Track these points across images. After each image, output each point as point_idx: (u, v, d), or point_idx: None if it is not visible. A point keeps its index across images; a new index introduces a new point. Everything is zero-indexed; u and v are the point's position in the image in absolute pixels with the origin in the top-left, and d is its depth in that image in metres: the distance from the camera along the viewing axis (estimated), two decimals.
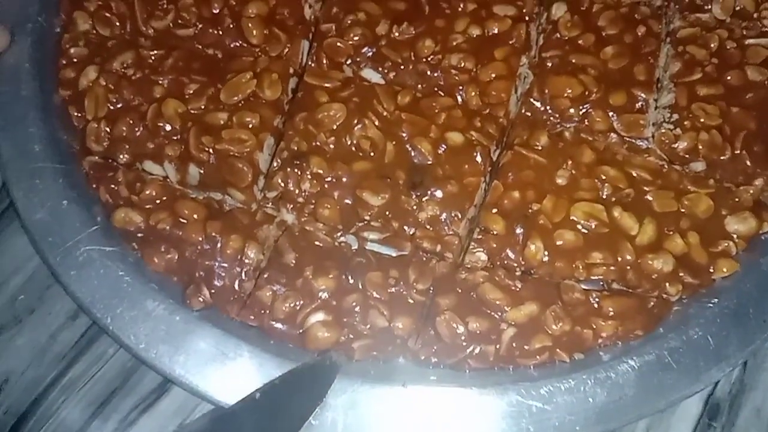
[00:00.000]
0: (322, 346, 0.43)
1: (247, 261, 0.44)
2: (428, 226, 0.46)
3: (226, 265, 0.44)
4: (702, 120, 0.48)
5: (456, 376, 0.43)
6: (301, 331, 0.43)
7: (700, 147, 0.48)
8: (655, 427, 0.45)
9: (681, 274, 0.45)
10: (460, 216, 0.45)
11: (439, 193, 0.46)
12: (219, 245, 0.45)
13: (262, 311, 0.44)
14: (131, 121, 0.47)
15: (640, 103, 0.49)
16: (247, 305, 0.44)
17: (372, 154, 0.47)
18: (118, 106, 0.48)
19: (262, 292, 0.44)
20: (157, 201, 0.46)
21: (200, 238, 0.45)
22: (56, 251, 0.44)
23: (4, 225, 0.49)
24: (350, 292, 0.44)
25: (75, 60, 0.50)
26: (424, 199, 0.46)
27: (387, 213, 0.46)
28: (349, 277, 0.44)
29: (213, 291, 0.44)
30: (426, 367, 0.43)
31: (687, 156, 0.48)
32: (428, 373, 0.43)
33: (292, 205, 0.46)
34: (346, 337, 0.43)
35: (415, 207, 0.46)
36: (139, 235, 0.45)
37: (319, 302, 0.44)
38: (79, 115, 0.49)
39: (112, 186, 0.46)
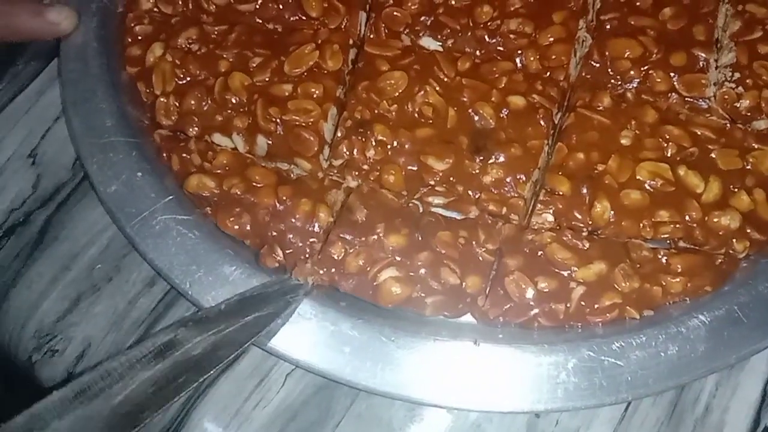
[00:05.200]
0: (395, 301, 0.44)
1: (317, 223, 0.45)
2: (493, 190, 0.46)
3: (298, 226, 0.45)
4: (764, 78, 0.48)
5: (524, 334, 0.44)
6: (373, 286, 0.44)
7: (763, 105, 0.48)
8: (724, 384, 0.45)
9: (748, 231, 0.45)
10: (524, 178, 0.46)
11: (502, 157, 0.46)
12: (290, 208, 0.46)
13: (333, 268, 0.44)
14: (199, 95, 0.49)
15: (700, 63, 0.49)
16: (319, 261, 0.45)
17: (434, 120, 0.48)
18: (186, 80, 0.49)
19: (333, 249, 0.44)
20: (228, 168, 0.47)
21: (272, 202, 0.46)
22: (133, 221, 0.45)
23: (77, 199, 0.51)
24: (421, 249, 0.44)
25: (140, 38, 0.52)
26: (488, 162, 0.46)
27: (451, 178, 0.46)
28: (419, 236, 0.45)
29: (287, 251, 0.45)
30: (494, 326, 0.44)
31: (749, 114, 0.48)
32: (496, 331, 0.44)
33: (357, 173, 0.47)
34: (418, 293, 0.44)
35: (478, 171, 0.46)
36: (213, 200, 0.46)
37: (391, 259, 0.44)
38: (148, 90, 0.50)
39: (184, 155, 0.48)
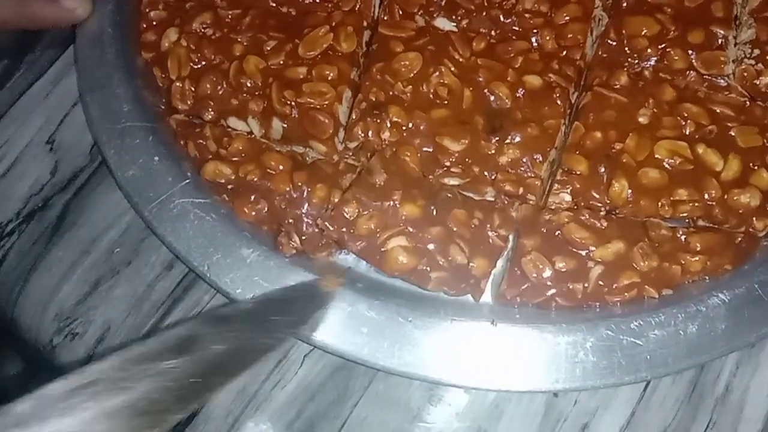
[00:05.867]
0: (399, 270, 0.43)
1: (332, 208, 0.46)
2: (509, 170, 0.46)
3: (314, 212, 0.46)
4: None
5: (542, 314, 0.43)
6: (380, 251, 0.44)
7: None
8: (745, 363, 0.45)
9: None
10: (541, 158, 0.46)
11: (518, 137, 0.46)
12: (306, 194, 0.46)
13: (344, 227, 0.44)
14: (214, 79, 0.49)
15: (719, 40, 0.48)
16: (330, 218, 0.44)
17: (449, 101, 0.47)
18: (201, 65, 0.49)
19: (347, 207, 0.44)
20: (244, 154, 0.47)
21: (288, 188, 0.46)
22: (151, 205, 0.46)
23: (95, 184, 0.51)
24: (434, 224, 0.44)
25: (155, 23, 0.52)
26: (504, 143, 0.46)
27: (467, 159, 0.46)
28: (434, 210, 0.45)
29: (303, 238, 0.45)
30: (512, 307, 0.44)
31: None
32: (513, 312, 0.44)
33: (372, 155, 0.47)
34: (423, 266, 0.44)
35: (494, 151, 0.46)
36: (230, 186, 0.47)
37: (402, 228, 0.44)
38: (163, 75, 0.50)
39: (200, 141, 0.48)
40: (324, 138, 0.47)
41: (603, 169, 0.45)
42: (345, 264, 0.46)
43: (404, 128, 0.47)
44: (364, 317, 0.42)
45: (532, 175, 0.46)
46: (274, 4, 0.51)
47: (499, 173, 0.46)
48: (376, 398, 0.45)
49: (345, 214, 0.44)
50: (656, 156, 0.45)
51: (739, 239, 0.44)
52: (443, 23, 0.50)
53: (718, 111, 0.46)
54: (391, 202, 0.44)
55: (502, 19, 0.49)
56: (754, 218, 0.44)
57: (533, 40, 0.49)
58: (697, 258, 0.43)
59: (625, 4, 0.49)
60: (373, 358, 0.42)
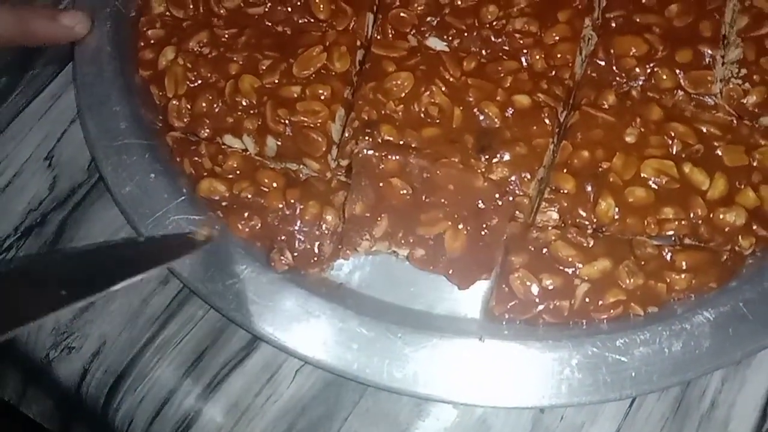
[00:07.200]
0: None
1: (325, 225, 0.46)
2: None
3: (306, 229, 0.46)
4: None
5: (529, 331, 0.44)
6: None
7: None
8: (731, 379, 0.45)
9: (754, 227, 0.45)
10: (529, 177, 0.46)
11: (507, 156, 0.47)
12: (298, 211, 0.47)
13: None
14: (210, 98, 0.49)
15: (707, 60, 0.49)
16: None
17: (440, 119, 0.48)
18: (197, 83, 0.50)
19: None
20: (238, 171, 0.48)
21: (280, 205, 0.47)
22: (146, 221, 0.47)
23: (93, 200, 0.52)
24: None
25: (152, 41, 0.53)
26: (493, 161, 0.47)
27: None
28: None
29: (295, 254, 0.46)
30: (500, 323, 0.45)
31: (756, 110, 0.48)
32: (501, 328, 0.44)
33: None
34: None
35: (484, 170, 0.47)
36: (224, 203, 0.47)
37: None
38: (160, 93, 0.51)
39: (196, 158, 0.49)
40: (317, 156, 0.48)
41: (590, 188, 0.45)
42: (337, 280, 0.47)
43: None
44: (355, 333, 0.43)
45: (521, 194, 0.46)
46: (269, 24, 0.52)
47: None
48: (365, 413, 0.45)
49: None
50: (643, 175, 0.45)
51: (725, 257, 0.45)
52: (435, 43, 0.51)
53: (704, 130, 0.47)
54: None
55: (492, 39, 0.50)
56: (739, 236, 0.45)
57: (523, 59, 0.50)
58: (682, 276, 0.44)
59: (614, 24, 0.50)
60: (363, 374, 0.43)
